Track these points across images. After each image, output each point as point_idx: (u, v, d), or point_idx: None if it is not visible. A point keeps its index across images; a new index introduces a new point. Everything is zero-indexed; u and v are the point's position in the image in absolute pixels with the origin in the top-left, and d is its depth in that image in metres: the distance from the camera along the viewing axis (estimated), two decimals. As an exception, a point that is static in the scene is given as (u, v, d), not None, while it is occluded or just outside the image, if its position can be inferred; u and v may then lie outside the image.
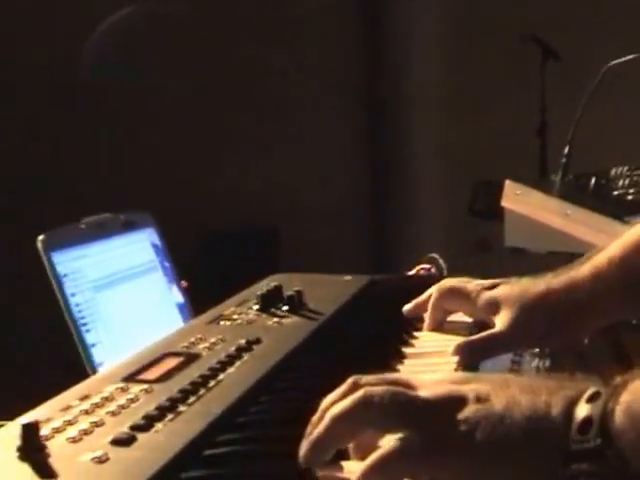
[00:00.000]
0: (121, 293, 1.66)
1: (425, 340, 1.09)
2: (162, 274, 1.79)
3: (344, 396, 0.70)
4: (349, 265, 1.64)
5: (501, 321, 1.03)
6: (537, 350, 1.41)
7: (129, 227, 1.73)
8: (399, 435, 0.67)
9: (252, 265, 1.50)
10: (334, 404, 0.70)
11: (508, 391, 0.68)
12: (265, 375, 0.93)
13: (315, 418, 0.71)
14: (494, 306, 1.05)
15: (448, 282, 1.13)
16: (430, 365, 0.98)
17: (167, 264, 1.81)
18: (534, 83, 4.25)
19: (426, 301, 1.13)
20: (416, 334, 1.11)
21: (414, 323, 1.14)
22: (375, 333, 1.14)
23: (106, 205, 1.76)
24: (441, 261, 1.67)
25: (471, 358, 0.99)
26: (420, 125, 4.89)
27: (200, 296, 1.28)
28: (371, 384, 0.70)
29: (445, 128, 4.90)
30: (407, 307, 1.15)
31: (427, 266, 1.63)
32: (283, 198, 4.90)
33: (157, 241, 1.81)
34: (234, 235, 4.85)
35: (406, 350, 1.04)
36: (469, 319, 1.13)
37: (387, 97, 4.92)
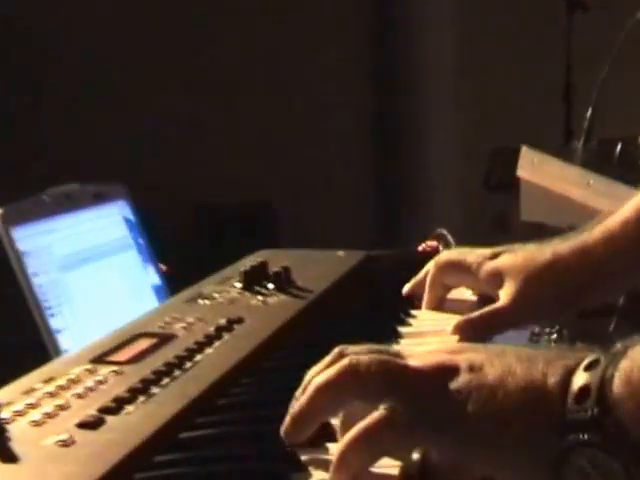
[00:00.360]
0: (90, 273, 1.69)
1: (423, 319, 1.13)
2: (136, 252, 1.82)
3: (329, 366, 0.74)
4: (352, 243, 1.68)
5: (505, 294, 1.07)
6: (555, 335, 1.45)
7: (99, 199, 1.76)
8: (385, 405, 0.70)
9: (247, 245, 1.53)
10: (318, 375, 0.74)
11: (504, 360, 0.71)
12: (247, 356, 0.97)
13: (299, 391, 0.75)
14: (497, 278, 1.08)
15: (446, 255, 1.17)
16: (427, 345, 1.02)
17: (142, 241, 1.85)
18: (559, 38, 4.26)
19: (425, 278, 1.16)
20: (414, 312, 1.15)
21: (412, 301, 1.18)
22: (369, 312, 1.18)
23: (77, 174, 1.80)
24: (449, 237, 1.70)
25: (472, 337, 1.02)
26: (432, 88, 4.91)
27: (190, 277, 1.32)
28: (357, 353, 0.74)
29: (460, 91, 4.92)
30: (406, 287, 1.18)
31: (434, 243, 1.66)
32: (280, 172, 4.98)
33: (130, 215, 1.85)
34: (228, 213, 4.94)
35: (402, 329, 1.08)
36: (472, 297, 1.17)
37: (396, 59, 4.95)
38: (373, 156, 5.14)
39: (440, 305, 1.16)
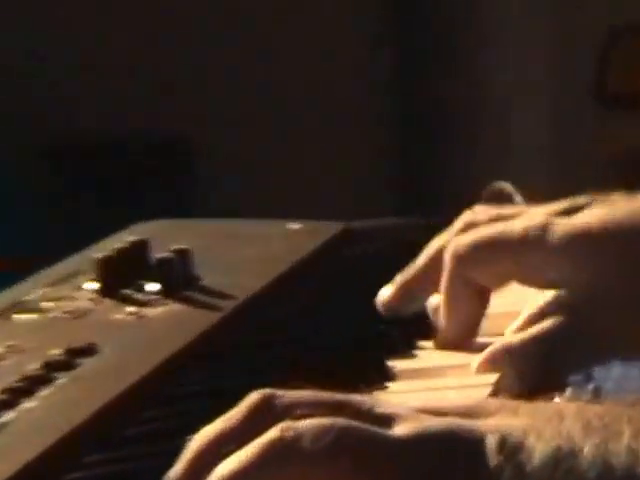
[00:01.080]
0: None
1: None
2: None
3: (245, 424, 0.77)
4: (355, 209, 1.73)
5: (593, 282, 1.09)
6: None
7: None
8: None
9: (141, 214, 1.57)
10: (220, 441, 0.76)
11: (560, 429, 0.75)
12: (99, 414, 1.00)
13: (180, 464, 0.77)
14: (579, 249, 1.09)
15: (470, 231, 1.13)
16: (437, 390, 1.05)
17: None
18: None
19: (424, 278, 1.16)
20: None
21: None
22: (339, 335, 1.21)
23: None
24: (517, 196, 1.73)
25: (519, 378, 1.05)
26: None
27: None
28: (293, 404, 0.77)
29: None
30: (383, 295, 1.17)
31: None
32: (204, 86, 5.09)
33: None
34: (112, 157, 5.02)
35: (397, 364, 1.11)
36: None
37: None
38: (392, 52, 5.21)
39: (473, 333, 1.14)
